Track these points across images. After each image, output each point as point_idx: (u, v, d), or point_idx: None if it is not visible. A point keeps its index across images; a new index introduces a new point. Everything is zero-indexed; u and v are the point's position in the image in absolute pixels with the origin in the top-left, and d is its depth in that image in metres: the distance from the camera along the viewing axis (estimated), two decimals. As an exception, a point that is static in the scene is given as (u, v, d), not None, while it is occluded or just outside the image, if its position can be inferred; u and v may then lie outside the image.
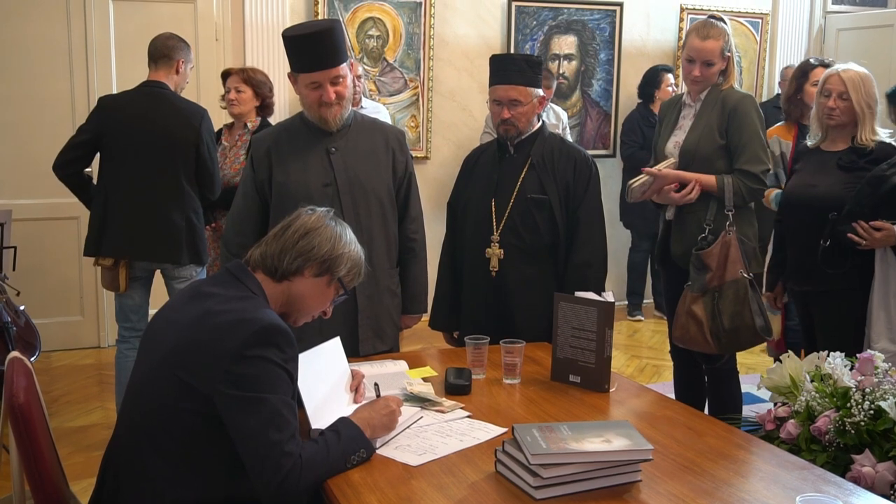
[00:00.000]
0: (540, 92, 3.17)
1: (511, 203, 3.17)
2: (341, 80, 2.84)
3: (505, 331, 2.88)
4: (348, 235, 2.21)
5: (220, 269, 2.25)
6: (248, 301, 2.03)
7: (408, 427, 2.20)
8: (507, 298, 3.16)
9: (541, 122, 3.25)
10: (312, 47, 2.79)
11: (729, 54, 3.42)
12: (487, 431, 2.19)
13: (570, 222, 3.15)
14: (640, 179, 3.48)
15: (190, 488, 1.92)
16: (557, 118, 6.15)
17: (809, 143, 3.57)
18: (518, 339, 2.62)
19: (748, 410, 3.68)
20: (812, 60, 4.37)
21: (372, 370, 2.62)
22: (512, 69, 3.11)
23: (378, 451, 2.06)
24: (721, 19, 3.45)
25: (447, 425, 2.23)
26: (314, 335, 2.72)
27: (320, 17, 5.88)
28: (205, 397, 1.89)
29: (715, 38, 3.38)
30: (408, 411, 2.27)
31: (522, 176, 3.17)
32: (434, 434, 2.18)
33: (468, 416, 2.30)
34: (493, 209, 3.19)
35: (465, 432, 2.19)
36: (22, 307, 4.65)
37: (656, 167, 3.49)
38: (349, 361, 2.47)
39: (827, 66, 4.22)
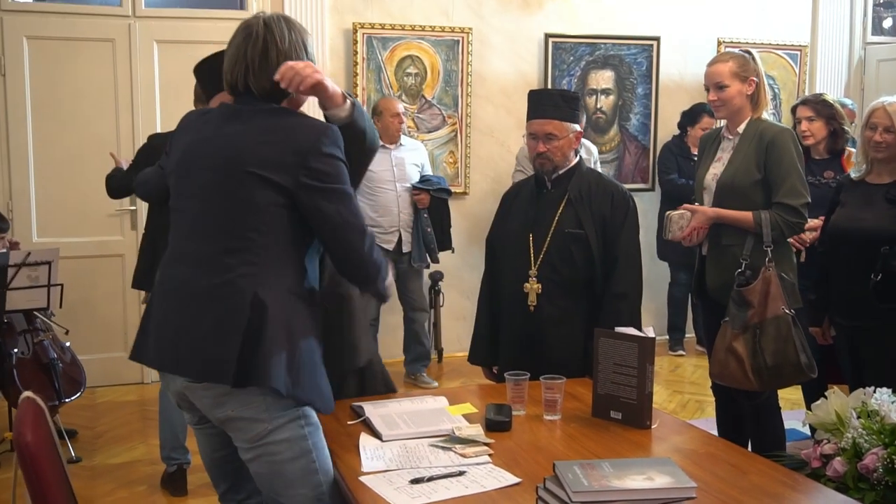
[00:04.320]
0: (577, 127, 3.19)
1: (548, 238, 3.18)
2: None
3: (542, 366, 2.87)
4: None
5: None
6: (286, 111, 2.19)
7: (444, 477, 2.13)
8: (544, 333, 3.16)
9: (578, 158, 3.27)
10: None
11: (755, 79, 3.41)
12: (500, 480, 2.12)
13: (608, 256, 3.15)
14: (680, 211, 3.47)
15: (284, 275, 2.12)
16: (588, 152, 6.17)
17: (854, 175, 3.54)
18: (555, 374, 2.61)
19: (792, 447, 3.62)
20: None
21: (412, 406, 2.62)
22: (548, 104, 3.16)
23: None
24: (747, 52, 3.49)
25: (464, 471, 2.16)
26: None
27: (359, 56, 5.97)
28: (287, 190, 2.06)
29: (723, 61, 3.43)
30: (445, 459, 2.25)
31: (560, 211, 3.19)
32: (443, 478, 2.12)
33: (489, 463, 2.23)
34: (531, 244, 3.20)
35: (475, 480, 2.11)
36: (67, 343, 4.73)
37: (694, 205, 3.49)
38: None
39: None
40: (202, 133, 2.20)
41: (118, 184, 4.10)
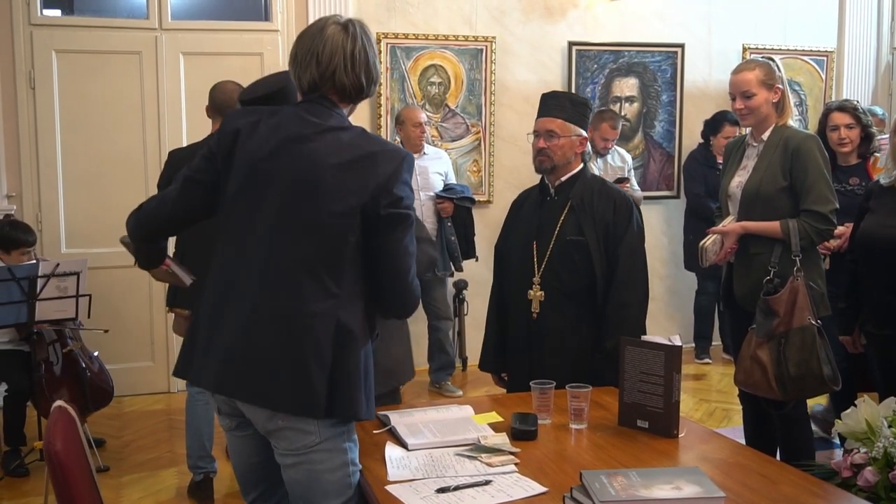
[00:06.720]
0: (581, 132, 3.21)
1: (551, 246, 3.19)
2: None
3: (545, 373, 2.85)
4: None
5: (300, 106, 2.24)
6: (363, 133, 2.20)
7: (471, 486, 2.12)
8: (546, 341, 3.17)
9: (581, 165, 3.27)
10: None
11: (781, 87, 3.40)
12: (526, 489, 2.11)
13: (610, 263, 3.14)
14: (711, 238, 3.47)
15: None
16: (623, 160, 6.15)
17: (883, 181, 3.50)
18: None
19: (821, 456, 3.58)
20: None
21: (437, 415, 2.62)
22: (553, 104, 3.23)
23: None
24: (770, 59, 3.49)
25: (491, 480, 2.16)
26: None
27: (383, 66, 5.99)
28: (366, 216, 2.08)
29: (749, 69, 3.43)
30: (471, 468, 2.24)
31: (562, 219, 3.20)
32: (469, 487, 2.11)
33: (515, 472, 2.23)
34: (535, 252, 3.21)
35: (501, 489, 2.11)
36: (95, 353, 4.78)
37: (720, 225, 3.49)
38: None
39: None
40: (271, 143, 2.16)
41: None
